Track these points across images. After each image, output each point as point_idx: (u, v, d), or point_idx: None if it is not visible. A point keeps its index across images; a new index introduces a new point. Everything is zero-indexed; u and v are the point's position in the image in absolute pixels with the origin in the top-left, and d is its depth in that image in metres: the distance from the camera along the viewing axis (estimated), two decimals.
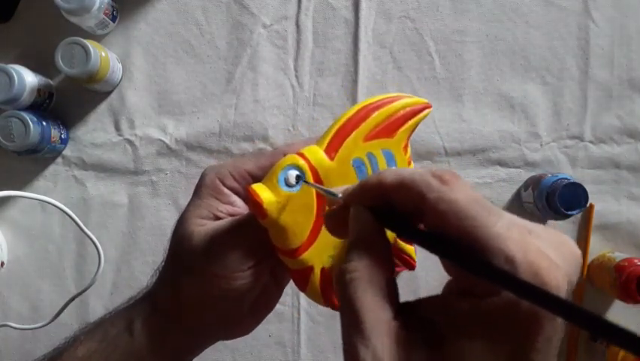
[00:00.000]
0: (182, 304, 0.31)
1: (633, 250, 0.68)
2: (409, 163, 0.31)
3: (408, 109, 0.30)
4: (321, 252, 0.29)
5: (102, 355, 0.32)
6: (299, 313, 0.68)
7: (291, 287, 0.33)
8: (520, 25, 0.69)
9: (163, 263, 0.33)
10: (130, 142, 0.69)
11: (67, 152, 0.69)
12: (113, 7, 0.67)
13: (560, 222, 0.68)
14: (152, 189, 0.69)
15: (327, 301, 0.30)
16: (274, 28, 0.70)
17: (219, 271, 0.29)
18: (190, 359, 0.34)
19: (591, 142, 0.69)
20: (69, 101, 0.69)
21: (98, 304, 0.68)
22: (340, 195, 0.25)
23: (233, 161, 0.32)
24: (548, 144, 0.69)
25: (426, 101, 0.30)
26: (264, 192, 0.27)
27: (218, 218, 0.31)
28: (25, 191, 0.67)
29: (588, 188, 0.62)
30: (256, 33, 0.69)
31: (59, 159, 0.69)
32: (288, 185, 0.28)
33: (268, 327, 0.68)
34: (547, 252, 0.18)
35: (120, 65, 0.69)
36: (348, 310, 0.20)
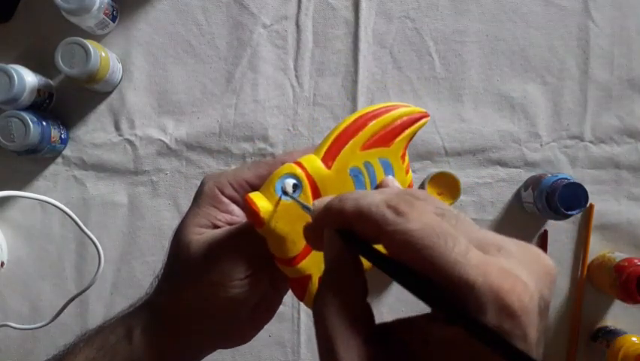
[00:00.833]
0: (181, 313, 0.32)
1: (633, 250, 0.68)
2: (407, 172, 0.31)
3: (405, 118, 0.30)
4: (319, 260, 0.29)
5: None
6: (299, 314, 0.68)
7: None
8: (520, 25, 0.69)
9: (162, 271, 0.33)
10: (130, 142, 0.69)
11: (67, 152, 0.69)
12: (113, 7, 0.67)
13: (560, 223, 0.68)
14: (152, 189, 0.69)
15: None
16: (274, 28, 0.70)
17: (217, 279, 0.29)
18: None
19: (591, 142, 0.69)
20: (69, 101, 0.69)
21: (98, 304, 0.68)
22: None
23: (233, 170, 0.32)
24: (548, 144, 0.69)
25: (423, 110, 0.30)
26: (260, 201, 0.27)
27: (216, 227, 0.31)
28: (25, 191, 0.67)
29: (588, 188, 0.62)
30: (256, 33, 0.69)
31: (59, 159, 0.69)
32: (286, 194, 0.28)
33: (268, 327, 0.67)
34: (516, 270, 0.18)
35: (120, 65, 0.69)
36: (321, 337, 0.20)
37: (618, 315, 0.68)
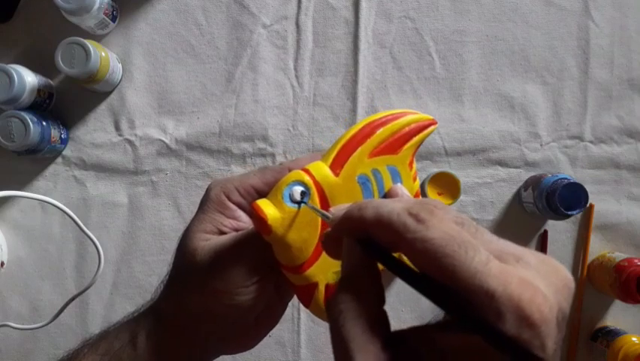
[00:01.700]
0: (186, 319, 0.31)
1: (633, 250, 0.68)
2: (414, 179, 0.31)
3: (413, 125, 0.30)
4: (326, 268, 0.29)
5: None
6: (299, 313, 0.68)
7: None
8: (520, 25, 0.69)
9: (167, 277, 0.33)
10: (130, 142, 0.69)
11: (67, 152, 0.69)
12: (113, 7, 0.67)
13: (559, 223, 0.68)
14: (152, 189, 0.69)
15: None
16: (274, 28, 0.70)
17: (223, 286, 0.29)
18: None
19: (591, 142, 0.69)
20: (69, 101, 0.69)
21: (98, 305, 0.68)
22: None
23: (239, 176, 0.32)
24: (548, 144, 0.69)
25: (431, 117, 0.30)
26: (268, 208, 0.27)
27: (222, 233, 0.31)
28: (25, 191, 0.67)
29: (588, 188, 0.62)
30: (256, 33, 0.69)
31: (59, 159, 0.69)
32: (293, 201, 0.28)
33: None
34: (535, 281, 0.18)
35: (120, 65, 0.69)
36: (338, 343, 0.20)
37: (618, 315, 0.68)
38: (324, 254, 0.29)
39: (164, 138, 0.69)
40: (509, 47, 0.69)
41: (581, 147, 0.69)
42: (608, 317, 0.68)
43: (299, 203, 0.27)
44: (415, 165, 0.31)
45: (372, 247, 0.22)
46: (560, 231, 0.68)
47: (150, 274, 0.69)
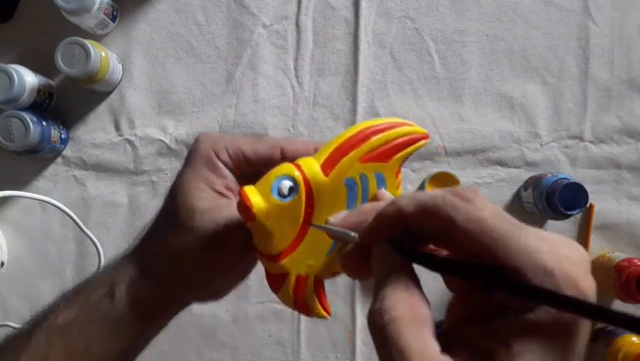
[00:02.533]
0: (167, 262, 0.31)
1: (633, 250, 0.68)
2: (398, 187, 0.32)
3: (406, 137, 0.30)
4: (301, 260, 0.30)
5: (84, 320, 0.31)
6: (299, 314, 0.68)
7: None
8: (520, 25, 0.69)
9: (154, 221, 0.33)
10: (130, 142, 0.69)
11: (67, 152, 0.69)
12: (113, 7, 0.67)
13: (559, 223, 0.68)
14: (152, 189, 0.69)
15: (296, 306, 0.31)
16: (274, 28, 0.70)
17: (220, 257, 0.30)
18: (164, 322, 0.35)
19: (591, 142, 0.69)
20: (69, 101, 0.69)
21: None
22: (354, 234, 0.24)
23: (231, 137, 0.32)
24: (548, 144, 0.69)
25: (424, 131, 0.31)
26: (255, 197, 0.28)
27: (215, 191, 0.31)
28: (25, 191, 0.67)
29: (588, 188, 0.62)
30: (256, 33, 0.69)
31: (59, 159, 0.69)
32: (280, 195, 0.28)
33: (268, 327, 0.68)
34: (576, 261, 0.19)
35: (120, 65, 0.69)
36: (393, 352, 0.19)
37: None
38: (301, 246, 0.29)
39: (164, 138, 0.69)
40: (509, 47, 0.69)
41: (581, 147, 0.69)
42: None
43: (286, 197, 0.28)
44: (400, 175, 0.31)
45: (411, 251, 0.22)
46: (560, 231, 0.68)
47: None
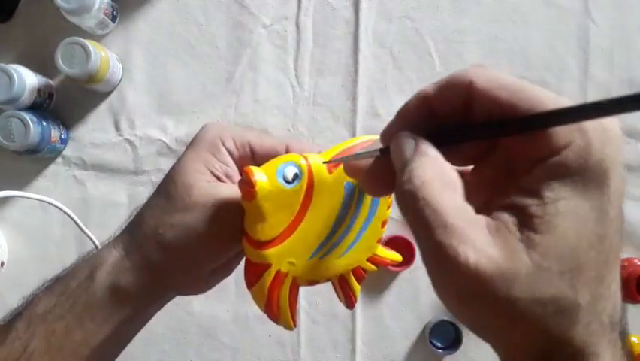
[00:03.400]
0: (158, 240, 0.31)
1: (633, 250, 0.68)
2: (389, 207, 0.32)
3: None
4: (284, 255, 0.30)
5: (64, 307, 0.31)
6: (299, 313, 0.68)
7: None
8: (520, 25, 0.69)
9: (142, 206, 0.33)
10: (130, 142, 0.69)
11: (67, 152, 0.69)
12: (113, 7, 0.67)
13: None
14: (152, 189, 0.69)
15: (267, 306, 0.31)
16: (274, 28, 0.70)
17: (208, 238, 0.30)
18: (149, 310, 0.34)
19: None
20: (69, 101, 0.69)
21: None
22: (372, 143, 0.25)
23: (239, 128, 0.33)
24: None
25: None
26: (260, 175, 0.28)
27: (213, 174, 0.32)
28: (25, 191, 0.67)
29: None
30: (256, 33, 0.69)
31: (59, 159, 0.69)
32: (285, 179, 0.28)
33: (268, 327, 0.68)
34: None
35: (120, 65, 0.69)
36: (427, 212, 0.19)
37: None
38: (289, 241, 0.30)
39: (164, 138, 0.69)
40: (509, 47, 0.69)
41: None
42: None
43: (289, 182, 0.28)
44: (393, 195, 0.32)
45: (433, 132, 0.22)
46: None
47: None
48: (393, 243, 0.65)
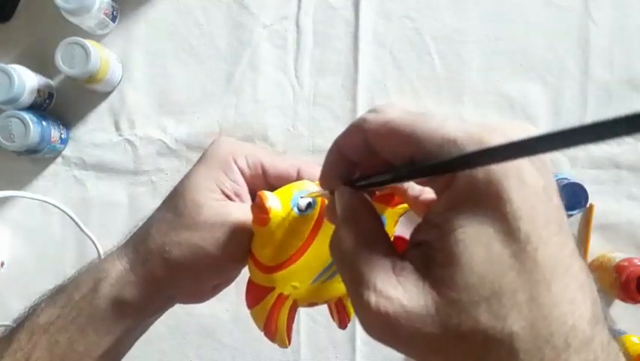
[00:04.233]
0: (164, 254, 0.31)
1: (633, 250, 0.68)
2: (392, 236, 0.32)
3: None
4: (289, 279, 0.30)
5: (67, 319, 0.31)
6: (299, 313, 0.68)
7: None
8: (520, 25, 0.69)
9: (149, 220, 0.33)
10: (130, 142, 0.69)
11: (67, 152, 0.69)
12: (113, 7, 0.67)
13: None
14: (152, 189, 0.69)
15: (266, 326, 0.31)
16: (274, 28, 0.70)
17: (215, 256, 0.31)
18: (151, 320, 0.35)
19: None
20: (69, 101, 0.69)
21: None
22: (318, 187, 0.26)
23: (252, 146, 0.33)
24: None
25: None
26: (274, 203, 0.28)
27: (223, 193, 0.31)
28: (25, 191, 0.67)
29: (588, 188, 0.62)
30: (256, 33, 0.69)
31: (59, 159, 0.69)
32: (298, 208, 0.28)
33: None
34: (492, 125, 0.19)
35: (120, 65, 0.69)
36: (347, 270, 0.21)
37: (618, 315, 0.68)
38: (294, 265, 0.29)
39: (164, 138, 0.69)
40: (509, 47, 0.69)
41: (580, 147, 0.69)
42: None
43: (302, 211, 0.28)
44: (396, 227, 0.32)
45: (354, 180, 0.24)
46: None
47: None
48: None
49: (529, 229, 0.18)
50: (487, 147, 0.16)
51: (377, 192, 0.29)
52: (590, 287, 0.19)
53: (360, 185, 0.23)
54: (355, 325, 0.67)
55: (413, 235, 0.21)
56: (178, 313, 0.67)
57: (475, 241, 0.18)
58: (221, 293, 0.36)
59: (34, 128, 0.61)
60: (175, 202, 0.32)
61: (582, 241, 0.68)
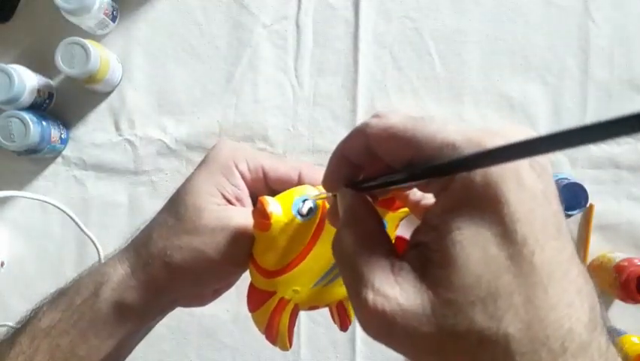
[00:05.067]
0: (162, 265, 0.31)
1: (633, 250, 0.68)
2: (393, 238, 0.32)
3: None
4: (290, 283, 0.30)
5: (68, 322, 0.31)
6: (299, 314, 0.68)
7: None
8: (520, 25, 0.69)
9: (150, 223, 0.33)
10: (130, 142, 0.69)
11: (67, 152, 0.69)
12: (113, 7, 0.67)
13: None
14: (152, 189, 0.69)
15: (267, 330, 0.31)
16: (274, 28, 0.70)
17: (216, 261, 0.31)
18: (152, 323, 0.35)
19: None
20: (69, 101, 0.69)
21: None
22: (319, 190, 0.26)
23: (253, 150, 0.33)
24: None
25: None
26: (275, 208, 0.28)
27: (224, 197, 0.31)
28: (25, 191, 0.67)
29: (588, 188, 0.62)
30: (256, 33, 0.69)
31: (59, 159, 0.69)
32: (299, 213, 0.28)
33: None
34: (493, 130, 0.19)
35: (120, 65, 0.69)
36: (348, 269, 0.21)
37: (618, 315, 0.68)
38: (296, 270, 0.29)
39: (164, 138, 0.69)
40: (509, 47, 0.69)
41: (581, 147, 0.69)
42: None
43: (303, 216, 0.28)
44: (399, 228, 0.31)
45: (357, 185, 0.24)
46: None
47: None
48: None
49: (527, 232, 0.18)
50: (485, 149, 0.17)
51: (379, 197, 0.29)
52: (588, 292, 0.19)
53: (362, 188, 0.24)
54: (355, 325, 0.67)
55: (412, 236, 0.21)
56: (178, 314, 0.66)
57: (472, 243, 0.18)
58: None
59: (34, 128, 0.61)
60: (176, 206, 0.32)
61: (582, 241, 0.68)
